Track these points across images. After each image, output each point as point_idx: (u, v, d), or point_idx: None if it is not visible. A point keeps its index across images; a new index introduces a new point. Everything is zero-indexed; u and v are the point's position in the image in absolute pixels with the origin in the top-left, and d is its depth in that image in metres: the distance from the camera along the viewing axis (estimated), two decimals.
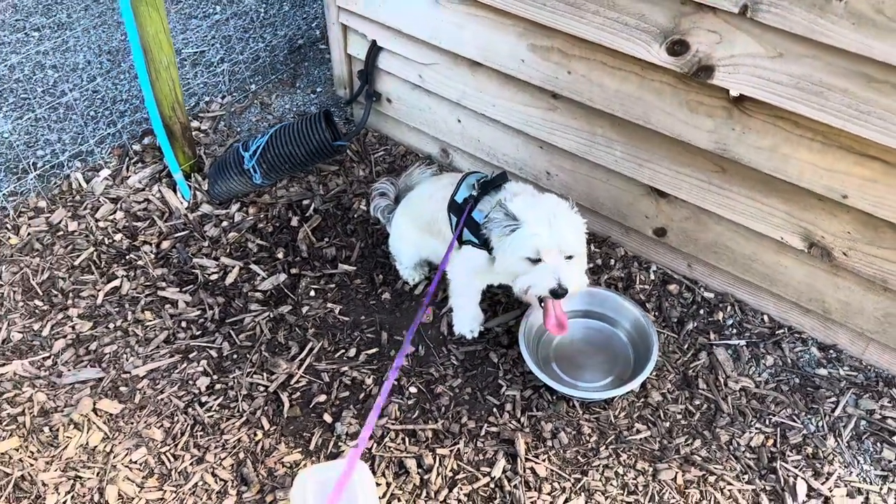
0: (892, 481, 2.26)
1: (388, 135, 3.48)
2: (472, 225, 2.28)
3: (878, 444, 2.35)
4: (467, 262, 2.39)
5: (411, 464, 2.31)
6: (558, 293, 2.13)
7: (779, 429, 2.39)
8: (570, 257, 2.15)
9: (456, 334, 2.65)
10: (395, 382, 2.53)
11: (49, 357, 2.63)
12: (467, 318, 2.61)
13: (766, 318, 2.69)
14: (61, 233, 3.06)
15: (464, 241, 2.32)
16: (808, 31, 1.90)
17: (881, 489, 2.25)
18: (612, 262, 2.89)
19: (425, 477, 2.29)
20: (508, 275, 2.25)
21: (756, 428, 2.39)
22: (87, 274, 2.91)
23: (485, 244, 2.27)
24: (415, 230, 2.61)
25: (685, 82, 2.26)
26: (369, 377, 2.55)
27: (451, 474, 2.30)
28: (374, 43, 3.07)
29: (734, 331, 2.66)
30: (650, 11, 2.16)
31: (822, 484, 2.25)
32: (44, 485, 2.30)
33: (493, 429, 2.40)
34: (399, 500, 2.25)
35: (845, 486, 2.25)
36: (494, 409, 2.46)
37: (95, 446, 2.39)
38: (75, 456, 2.37)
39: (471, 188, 2.34)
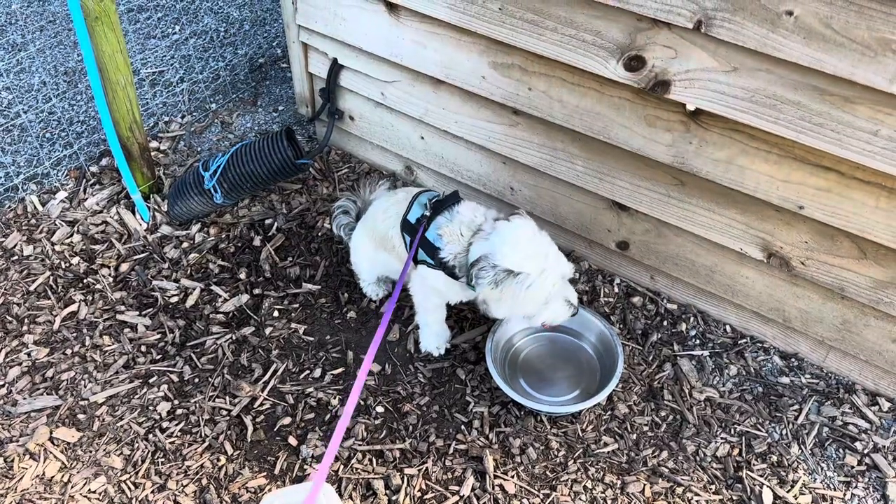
0: (856, 487, 2.29)
1: (351, 152, 3.47)
2: (427, 245, 2.28)
3: (841, 451, 2.38)
4: (425, 281, 2.39)
5: (379, 485, 2.28)
6: (573, 315, 2.33)
7: (744, 438, 2.41)
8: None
9: (423, 351, 2.63)
10: (362, 402, 2.50)
11: (3, 385, 2.55)
12: (433, 336, 2.60)
13: (728, 328, 2.72)
14: (16, 257, 2.99)
15: (419, 260, 2.32)
16: (761, 45, 1.94)
17: (844, 495, 2.27)
18: (577, 275, 2.90)
19: (393, 498, 2.26)
20: (499, 305, 2.28)
21: (721, 438, 2.41)
22: (43, 299, 2.83)
23: (441, 266, 2.27)
24: (371, 245, 2.59)
25: (643, 97, 2.29)
26: (335, 398, 2.51)
27: (419, 494, 2.28)
28: (335, 61, 3.06)
29: (697, 341, 2.69)
30: (607, 28, 2.19)
31: (788, 492, 2.27)
32: None
33: (462, 446, 2.39)
34: None
35: (810, 492, 2.28)
36: (462, 427, 2.44)
37: (52, 476, 2.32)
38: (31, 487, 2.29)
39: (423, 207, 2.33)
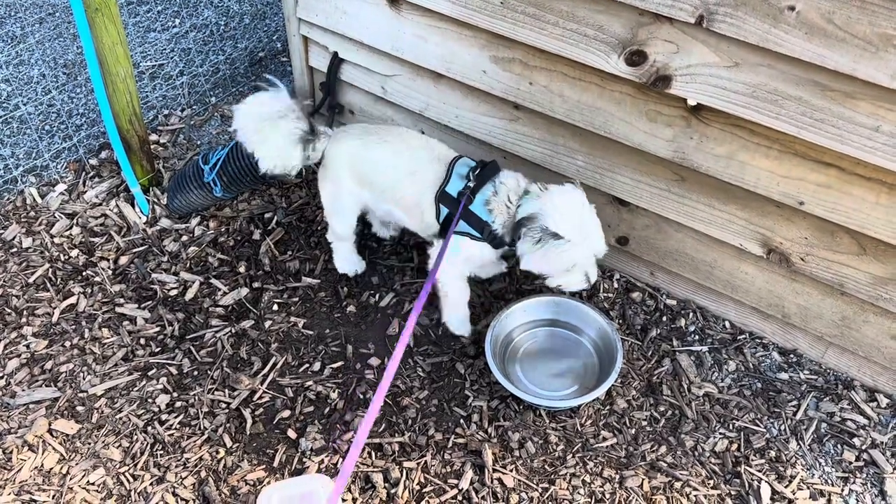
0: (853, 482, 2.30)
1: None
2: (471, 218, 2.30)
3: (839, 446, 2.38)
4: (457, 254, 2.38)
5: (378, 478, 2.28)
6: (585, 289, 2.42)
7: (742, 433, 2.41)
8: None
9: (456, 334, 2.65)
10: (361, 395, 2.50)
11: (2, 377, 2.55)
12: (464, 318, 2.62)
13: (727, 324, 2.73)
14: (15, 249, 2.98)
15: (461, 232, 2.33)
16: (763, 40, 1.94)
17: (842, 490, 2.28)
18: None
19: (392, 491, 2.26)
20: (536, 269, 2.33)
21: (720, 433, 2.41)
22: (42, 291, 2.83)
23: (490, 238, 2.31)
24: (361, 191, 2.53)
25: (644, 92, 2.29)
26: (334, 391, 2.51)
27: (418, 487, 2.28)
28: (335, 55, 3.06)
29: (696, 337, 2.69)
30: (608, 22, 2.19)
31: (786, 487, 2.28)
32: None
33: (461, 440, 2.39)
34: None
35: (808, 488, 2.28)
36: (461, 421, 2.44)
37: (51, 468, 2.32)
38: (30, 479, 2.29)
39: (463, 178, 2.33)
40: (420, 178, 2.39)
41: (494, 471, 2.31)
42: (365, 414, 2.43)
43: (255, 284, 2.86)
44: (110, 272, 2.91)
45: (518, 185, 2.32)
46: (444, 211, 2.35)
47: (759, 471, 2.32)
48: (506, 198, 2.30)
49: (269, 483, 2.28)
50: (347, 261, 2.84)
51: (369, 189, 2.51)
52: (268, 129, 2.37)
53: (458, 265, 2.45)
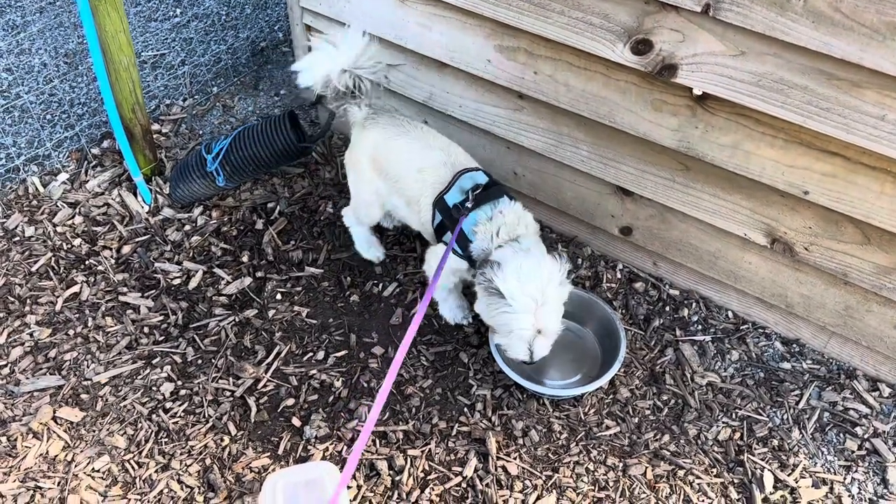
0: (856, 471, 2.31)
1: None
2: (459, 234, 2.27)
3: (842, 435, 2.39)
4: (454, 269, 2.39)
5: (382, 465, 2.29)
6: (526, 363, 2.30)
7: (745, 422, 2.42)
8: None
9: (451, 323, 2.65)
10: (365, 384, 2.51)
11: (6, 365, 2.55)
12: (457, 308, 2.63)
13: (730, 313, 2.73)
14: (17, 238, 2.98)
15: (443, 240, 2.34)
16: (769, 29, 1.93)
17: (845, 479, 2.29)
18: (580, 261, 2.91)
19: (396, 478, 2.27)
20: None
21: (723, 422, 2.42)
22: (45, 280, 2.83)
23: (465, 257, 2.29)
24: (378, 181, 2.54)
25: (649, 81, 2.29)
26: (338, 380, 2.52)
27: (422, 475, 2.29)
28: None
29: (699, 327, 2.70)
30: (614, 11, 2.19)
31: (789, 475, 2.29)
32: (2, 496, 2.22)
33: (464, 428, 2.40)
34: (370, 503, 2.22)
35: (810, 476, 2.29)
36: (465, 409, 2.45)
37: (56, 455, 2.33)
38: (35, 466, 2.30)
39: (462, 193, 2.30)
40: (425, 177, 2.38)
41: (498, 458, 2.31)
42: (372, 404, 2.44)
43: (259, 274, 2.86)
44: (113, 261, 2.90)
45: (517, 223, 2.26)
46: (439, 217, 2.35)
47: (762, 459, 2.33)
48: (496, 230, 2.24)
49: (273, 470, 2.28)
50: (368, 244, 2.87)
51: (384, 179, 2.51)
52: (326, 61, 2.41)
53: (442, 275, 2.44)
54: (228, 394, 2.49)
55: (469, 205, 2.25)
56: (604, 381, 2.41)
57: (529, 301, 2.12)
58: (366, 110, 2.53)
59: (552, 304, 2.17)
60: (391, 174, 2.47)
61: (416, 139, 2.45)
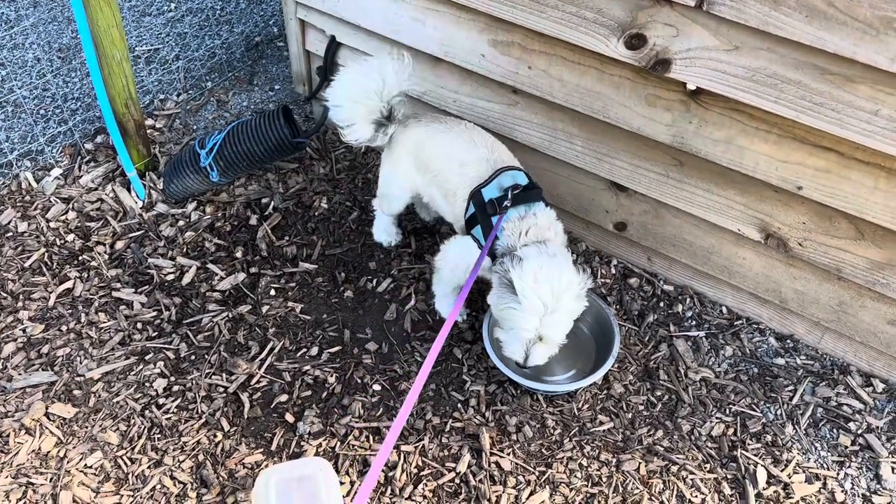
0: (849, 466, 2.31)
1: None
2: (488, 228, 2.27)
3: (835, 431, 2.40)
4: (461, 256, 2.38)
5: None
6: (519, 365, 2.27)
7: (738, 418, 2.42)
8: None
9: (446, 318, 2.63)
10: (358, 380, 2.51)
11: None
12: (450, 305, 2.62)
13: (724, 309, 2.73)
14: (10, 234, 2.97)
15: (471, 233, 2.35)
16: (763, 23, 1.93)
17: (838, 474, 2.29)
18: (574, 256, 2.89)
19: (390, 474, 2.27)
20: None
21: (716, 417, 2.42)
22: (37, 275, 2.82)
23: (490, 254, 2.28)
24: (415, 175, 2.56)
25: (643, 76, 2.28)
26: (332, 376, 2.51)
27: (415, 471, 2.28)
28: (332, 38, 3.04)
29: (693, 322, 2.70)
30: (608, 5, 2.18)
31: (782, 471, 2.29)
32: None
33: (458, 424, 2.39)
34: None
35: (804, 472, 2.29)
36: (459, 405, 2.44)
37: (48, 451, 2.32)
38: (27, 462, 2.29)
39: (501, 190, 2.29)
40: (466, 171, 2.38)
41: (492, 454, 2.31)
42: (367, 401, 2.44)
43: (252, 269, 2.85)
44: (106, 257, 2.89)
45: (547, 227, 2.27)
46: (472, 209, 2.35)
47: (756, 455, 2.33)
48: (525, 229, 2.24)
49: (266, 466, 2.28)
50: (385, 231, 2.90)
51: (423, 173, 2.52)
52: (351, 106, 2.47)
53: (458, 265, 2.43)
54: (221, 390, 2.48)
55: (507, 203, 2.24)
56: (598, 376, 2.41)
57: (539, 304, 2.10)
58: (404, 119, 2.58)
59: (562, 314, 2.14)
60: (432, 168, 2.47)
61: (460, 135, 2.45)
